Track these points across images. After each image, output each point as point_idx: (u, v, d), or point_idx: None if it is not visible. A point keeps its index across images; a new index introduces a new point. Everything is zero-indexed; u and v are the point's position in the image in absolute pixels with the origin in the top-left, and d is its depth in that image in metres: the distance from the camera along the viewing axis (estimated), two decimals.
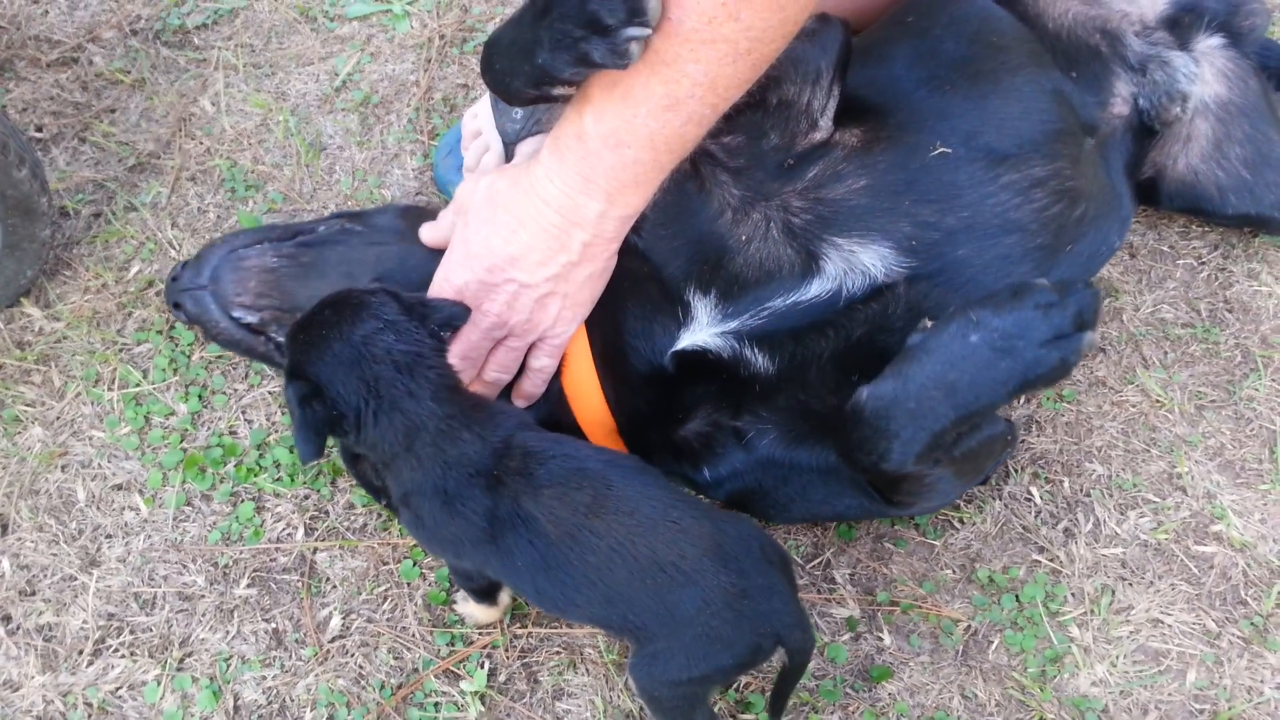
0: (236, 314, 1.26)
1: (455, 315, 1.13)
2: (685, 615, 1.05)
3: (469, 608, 1.27)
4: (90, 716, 1.24)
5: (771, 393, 1.22)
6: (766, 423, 1.22)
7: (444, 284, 1.21)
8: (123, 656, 1.27)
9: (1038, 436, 1.45)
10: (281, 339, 1.25)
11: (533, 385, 1.27)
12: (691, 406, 1.25)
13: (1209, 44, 1.42)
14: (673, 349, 1.23)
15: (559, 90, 1.09)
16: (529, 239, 1.15)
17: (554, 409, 1.26)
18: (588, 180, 1.10)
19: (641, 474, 1.11)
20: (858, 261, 1.18)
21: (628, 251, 1.22)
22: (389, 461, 1.10)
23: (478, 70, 1.82)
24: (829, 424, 1.19)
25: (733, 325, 1.21)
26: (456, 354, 1.18)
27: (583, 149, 1.09)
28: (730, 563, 1.06)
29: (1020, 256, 1.21)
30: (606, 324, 1.24)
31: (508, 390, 1.28)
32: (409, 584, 1.33)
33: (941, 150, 1.20)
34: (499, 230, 1.17)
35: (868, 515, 1.34)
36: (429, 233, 1.29)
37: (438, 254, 1.26)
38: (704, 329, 1.22)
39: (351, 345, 1.04)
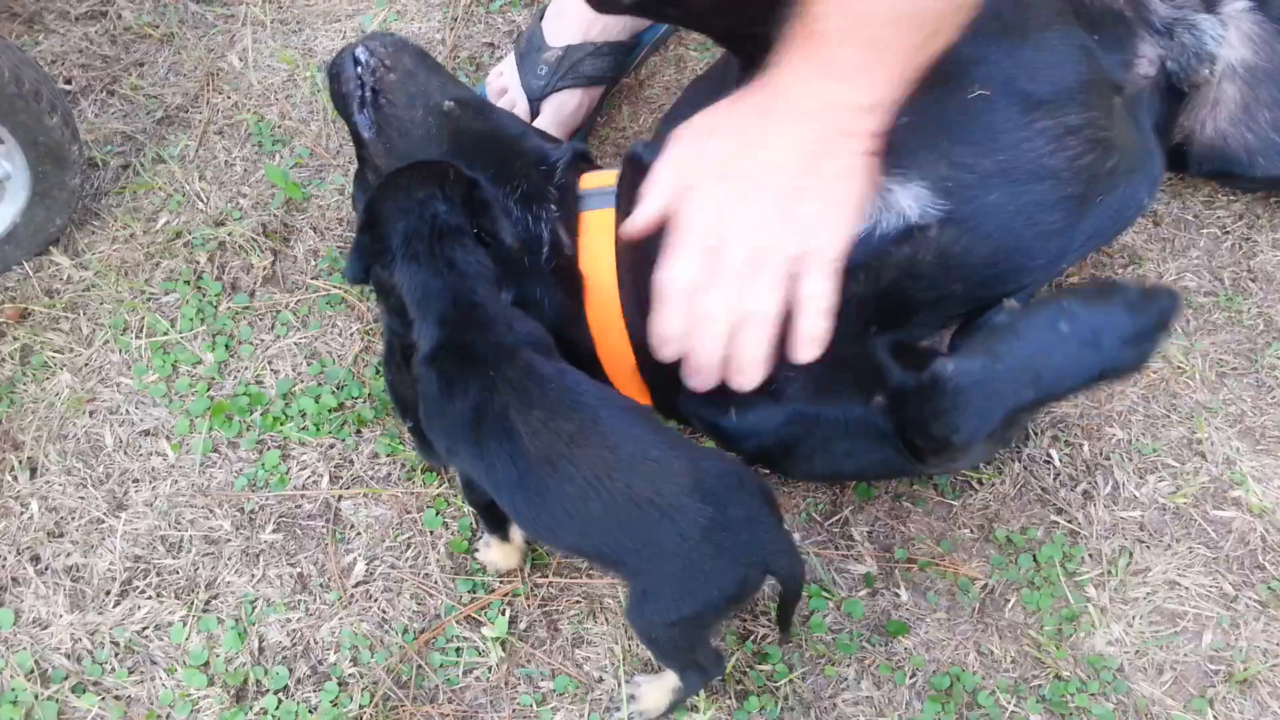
0: (360, 49, 1.35)
1: (504, 237, 1.20)
2: (665, 551, 1.06)
3: (490, 554, 1.29)
4: (117, 655, 1.26)
5: None
6: (794, 369, 1.21)
7: (685, 207, 1.10)
8: (149, 598, 1.29)
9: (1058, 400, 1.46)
10: (368, 92, 1.34)
11: (810, 323, 1.10)
12: None
13: (1235, 7, 1.41)
14: None
15: None
16: (764, 147, 1.06)
17: (577, 343, 1.26)
18: (825, 62, 1.02)
19: (630, 413, 1.12)
20: (894, 200, 1.17)
21: None
22: (411, 320, 1.18)
23: (503, 28, 1.82)
24: (855, 375, 1.18)
25: None
26: (718, 275, 1.08)
27: (810, 31, 1.01)
28: (708, 497, 1.06)
29: (1051, 204, 1.21)
30: (634, 251, 1.21)
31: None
32: (432, 532, 1.35)
33: (980, 92, 1.19)
34: (728, 148, 1.09)
35: (891, 473, 1.34)
36: (638, 224, 1.15)
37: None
38: None
39: (412, 199, 1.17)
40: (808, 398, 1.22)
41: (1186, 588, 1.31)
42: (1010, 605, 1.30)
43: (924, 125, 1.17)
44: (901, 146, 1.16)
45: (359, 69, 1.35)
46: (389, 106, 1.34)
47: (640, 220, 1.15)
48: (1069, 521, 1.36)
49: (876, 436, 1.21)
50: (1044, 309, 1.10)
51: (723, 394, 1.23)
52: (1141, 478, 1.40)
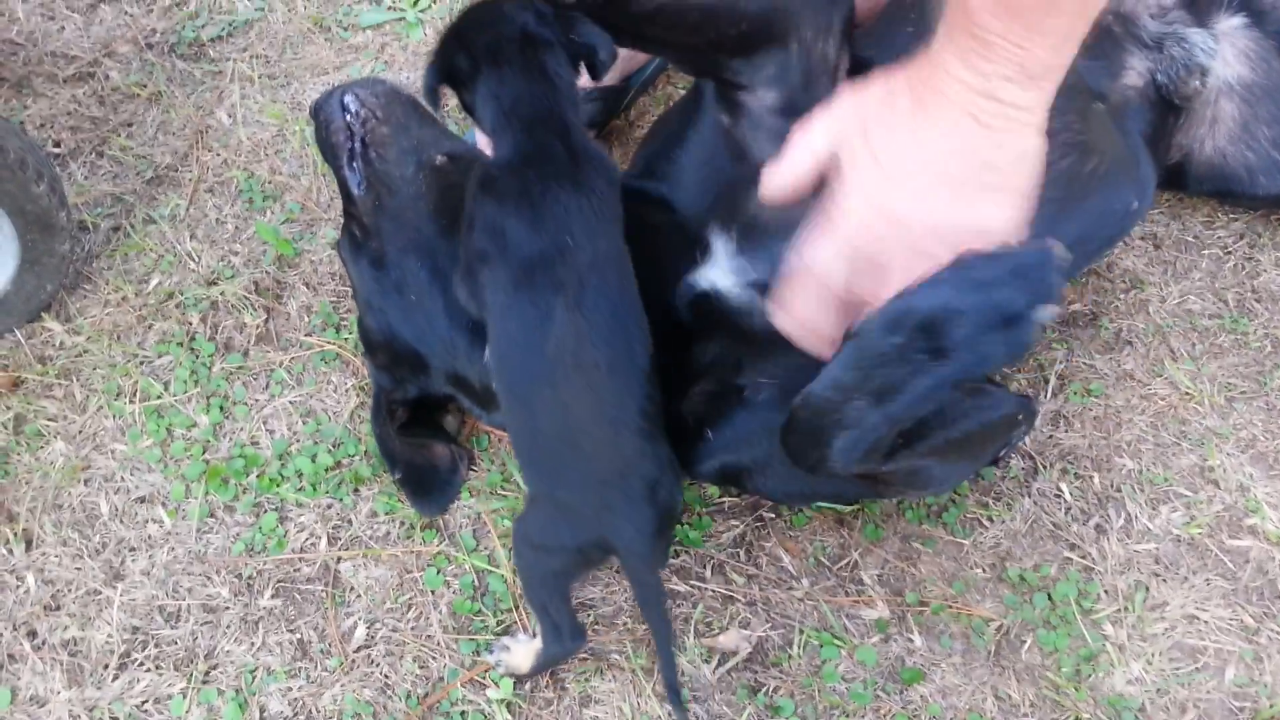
0: (347, 97, 1.34)
1: (599, 46, 1.14)
2: (565, 480, 1.14)
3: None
4: None
5: (771, 347, 1.17)
6: (766, 378, 1.20)
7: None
8: (148, 670, 1.27)
9: (1066, 432, 1.43)
10: (358, 144, 1.32)
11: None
12: (702, 367, 1.24)
13: (1230, 24, 1.40)
14: (693, 293, 1.20)
15: None
16: (933, 134, 0.95)
17: None
18: (981, 39, 0.92)
19: (642, 381, 1.14)
20: None
21: (649, 203, 1.20)
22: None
23: None
24: None
25: (748, 265, 1.19)
26: (874, 265, 1.00)
27: (965, 6, 0.92)
28: (621, 480, 1.11)
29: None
30: None
31: None
32: (433, 592, 1.32)
33: None
34: (895, 139, 0.98)
35: (862, 494, 1.31)
36: (782, 180, 1.07)
37: None
38: (720, 266, 1.20)
39: (499, 10, 1.15)
40: (778, 408, 1.19)
41: (1206, 621, 1.28)
42: (1026, 646, 1.27)
43: None
44: None
45: (348, 117, 1.34)
46: (380, 162, 1.32)
47: (780, 184, 1.05)
48: (1082, 557, 1.33)
49: None
50: (875, 317, 0.96)
51: (701, 415, 1.23)
52: (1154, 509, 1.37)
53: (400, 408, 1.38)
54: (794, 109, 1.16)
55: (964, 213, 0.96)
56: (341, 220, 1.38)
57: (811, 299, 1.05)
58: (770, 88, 1.17)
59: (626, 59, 1.69)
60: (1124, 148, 1.32)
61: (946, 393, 0.97)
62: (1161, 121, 1.40)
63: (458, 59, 1.15)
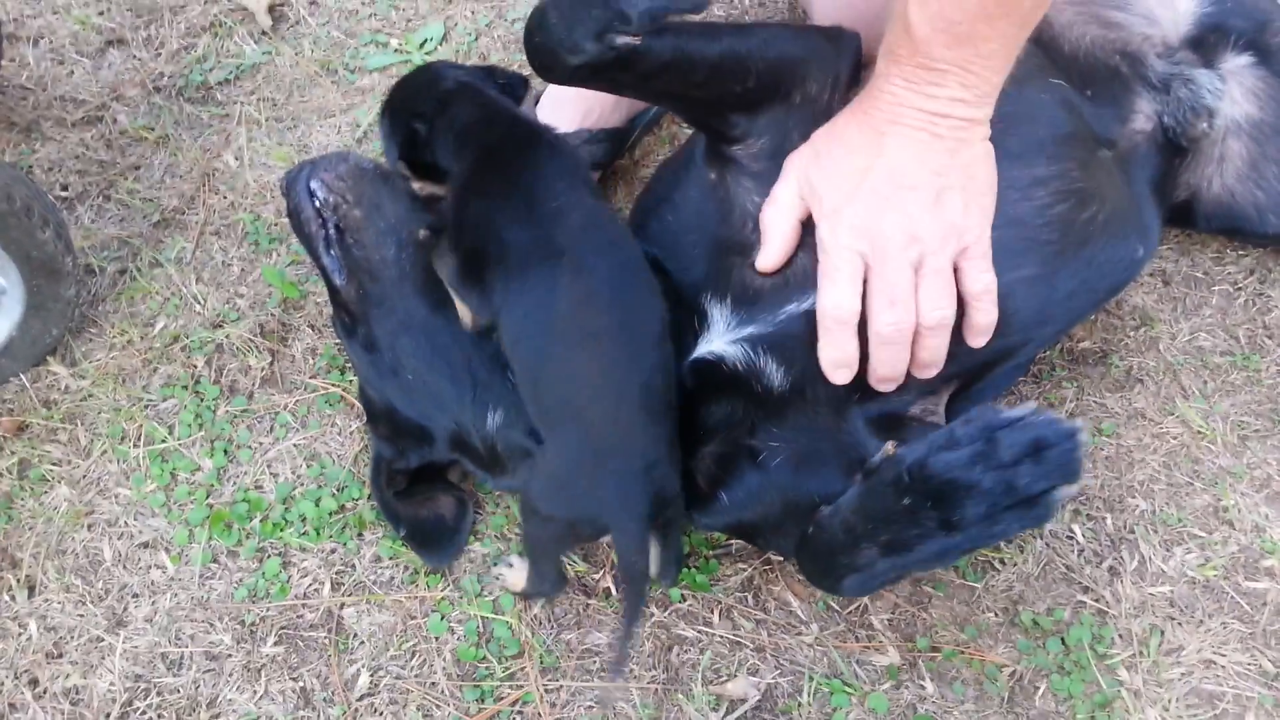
0: (313, 183, 1.35)
1: (519, 84, 1.36)
2: (567, 454, 1.14)
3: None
4: None
5: (783, 408, 1.19)
6: (778, 440, 1.20)
7: (832, 235, 1.10)
8: (150, 719, 1.25)
9: None
10: (332, 230, 1.34)
11: (984, 314, 1.12)
12: (710, 429, 1.23)
13: (1237, 63, 1.40)
14: (690, 358, 1.20)
15: (623, 40, 1.06)
16: (888, 154, 1.06)
17: None
18: (929, 66, 1.03)
19: (650, 353, 1.15)
20: None
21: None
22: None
23: None
24: (836, 448, 1.19)
25: (748, 331, 1.18)
26: (884, 298, 1.09)
27: (911, 39, 1.03)
28: (620, 457, 1.12)
29: (1021, 249, 1.18)
30: None
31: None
32: (437, 638, 1.31)
33: None
34: (852, 165, 1.08)
35: None
36: (772, 258, 1.17)
37: None
38: (720, 336, 1.20)
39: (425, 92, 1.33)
40: (791, 471, 1.20)
41: (1224, 666, 1.26)
42: (1040, 693, 1.25)
43: None
44: None
45: (316, 203, 1.34)
46: (358, 248, 1.32)
47: (772, 254, 1.16)
48: (1096, 600, 1.31)
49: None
50: (882, 473, 1.04)
51: (713, 477, 1.23)
52: (1168, 550, 1.35)
53: (401, 476, 1.37)
54: (782, 153, 1.17)
55: (934, 213, 1.07)
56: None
57: (846, 343, 1.11)
58: (763, 136, 1.17)
59: (632, 103, 1.70)
60: (1127, 196, 1.31)
61: (957, 558, 1.02)
62: (1168, 165, 1.39)
63: (412, 125, 1.30)
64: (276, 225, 1.69)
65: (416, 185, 1.33)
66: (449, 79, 1.32)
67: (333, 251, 1.33)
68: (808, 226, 1.15)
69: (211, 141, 1.81)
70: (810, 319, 1.15)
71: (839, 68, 1.17)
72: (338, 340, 1.56)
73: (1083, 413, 1.47)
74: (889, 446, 1.07)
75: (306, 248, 1.37)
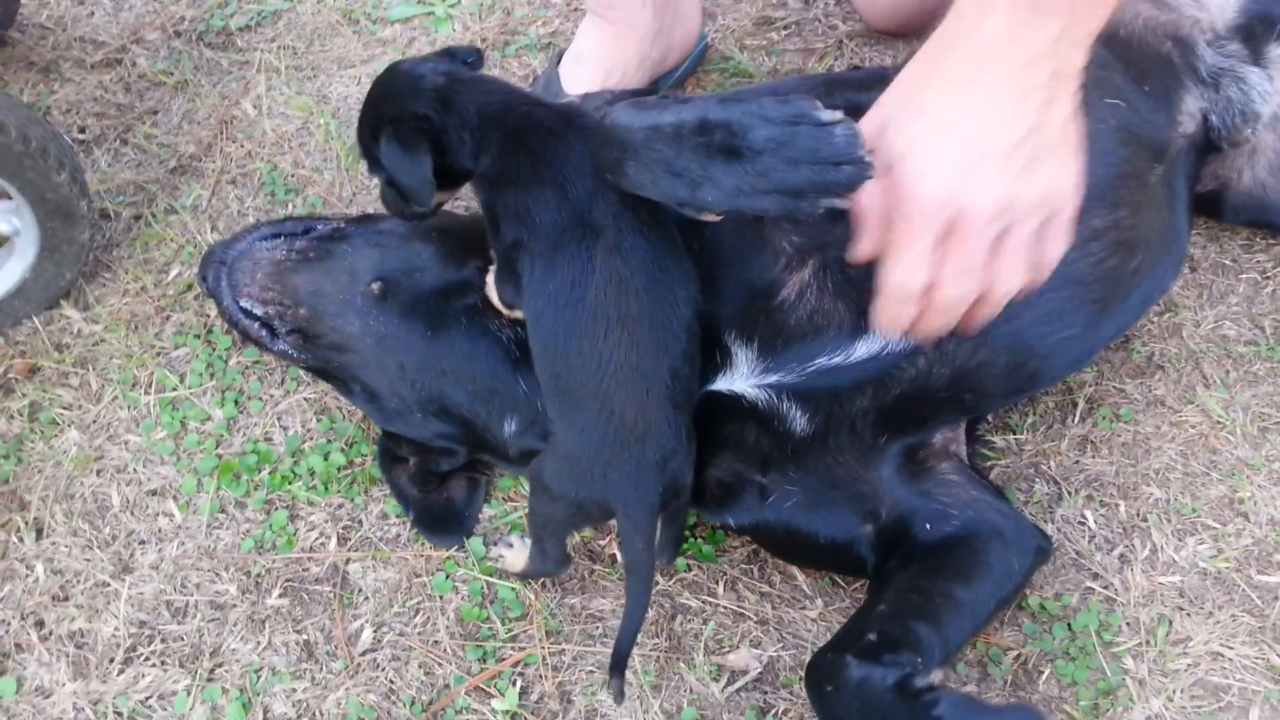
0: (244, 302, 1.34)
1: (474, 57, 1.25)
2: (585, 436, 1.12)
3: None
4: None
5: (803, 453, 1.19)
6: (794, 484, 1.20)
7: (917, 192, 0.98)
8: (153, 665, 1.26)
9: (1093, 457, 1.40)
10: (283, 331, 1.34)
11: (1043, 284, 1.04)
12: (718, 449, 1.22)
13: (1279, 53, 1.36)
14: (707, 389, 1.19)
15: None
16: (983, 103, 0.95)
17: None
18: (1034, 5, 0.92)
19: (680, 340, 1.13)
20: None
21: None
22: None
23: (519, 73, 1.80)
24: (852, 495, 1.18)
25: (773, 379, 1.17)
26: (959, 267, 0.99)
27: None
28: (639, 444, 1.11)
29: (1072, 311, 1.17)
30: None
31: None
32: (441, 597, 1.31)
33: None
34: (944, 116, 0.96)
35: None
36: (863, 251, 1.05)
37: (441, 251, 1.30)
38: (743, 378, 1.18)
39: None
40: (801, 512, 1.21)
41: (1230, 659, 1.24)
42: (1044, 678, 1.24)
43: None
44: None
45: (256, 321, 1.34)
46: (322, 338, 1.32)
47: (864, 244, 1.04)
48: (1105, 588, 1.30)
49: (853, 562, 1.22)
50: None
51: (716, 499, 1.24)
52: (1181, 540, 1.33)
53: (434, 477, 1.37)
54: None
55: (1028, 182, 0.96)
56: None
57: (912, 312, 1.03)
58: None
59: (656, 63, 1.67)
60: (1168, 228, 1.28)
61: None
62: (1198, 171, 1.36)
63: (436, 134, 1.16)
64: (293, 176, 1.68)
65: (442, 195, 1.23)
66: (427, 74, 1.20)
67: (281, 338, 1.34)
68: (833, 267, 1.12)
69: (230, 88, 1.79)
70: (843, 371, 1.14)
71: None
72: None
73: (1101, 398, 1.45)
74: None
75: (259, 348, 1.39)
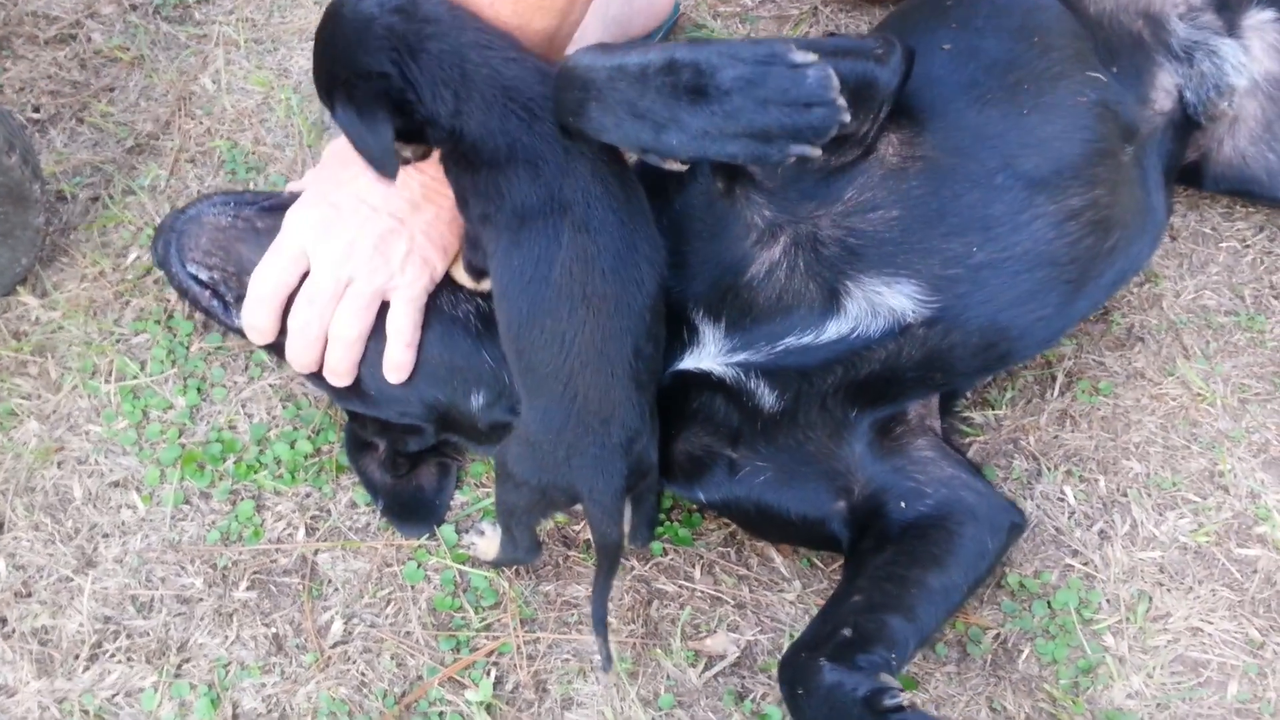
0: (190, 267, 1.30)
1: None
2: (547, 418, 1.10)
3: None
4: None
5: (772, 429, 1.18)
6: (764, 460, 1.19)
7: (291, 219, 1.22)
8: (119, 662, 1.24)
9: (1072, 432, 1.38)
10: (229, 298, 1.30)
11: (397, 352, 1.21)
12: (685, 424, 1.21)
13: (1259, 18, 1.33)
14: (674, 368, 1.17)
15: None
16: (366, 183, 1.16)
17: None
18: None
19: (644, 319, 1.10)
20: (881, 303, 1.11)
21: None
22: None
23: None
24: (823, 471, 1.17)
25: (741, 357, 1.15)
26: (304, 297, 1.21)
27: None
28: (602, 425, 1.09)
29: (1046, 292, 1.15)
30: None
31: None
32: (413, 587, 1.28)
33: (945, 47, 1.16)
34: (343, 168, 1.19)
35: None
36: (294, 184, 1.31)
37: None
38: (711, 357, 1.16)
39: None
40: (772, 488, 1.20)
41: (1210, 634, 1.24)
42: (1024, 657, 1.23)
43: (916, 220, 1.10)
44: (891, 244, 1.10)
45: (203, 286, 1.31)
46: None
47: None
48: (1085, 564, 1.29)
49: (826, 538, 1.20)
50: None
51: (685, 473, 1.23)
52: (1161, 515, 1.32)
53: (403, 459, 1.34)
54: (804, 171, 1.10)
55: (380, 251, 1.20)
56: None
57: (267, 312, 1.25)
58: (774, 173, 1.10)
59: (617, 22, 1.63)
60: (1143, 206, 1.26)
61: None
62: (1180, 148, 1.34)
63: (402, 94, 1.04)
64: (254, 154, 1.63)
65: (408, 151, 1.14)
66: (376, 14, 1.04)
67: (233, 309, 1.29)
68: (805, 245, 1.12)
69: (189, 63, 1.73)
70: (812, 351, 1.12)
71: (884, 98, 1.06)
72: None
73: (1081, 371, 1.43)
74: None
75: (212, 319, 1.34)
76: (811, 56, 0.95)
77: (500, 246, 1.09)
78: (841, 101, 0.93)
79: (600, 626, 1.14)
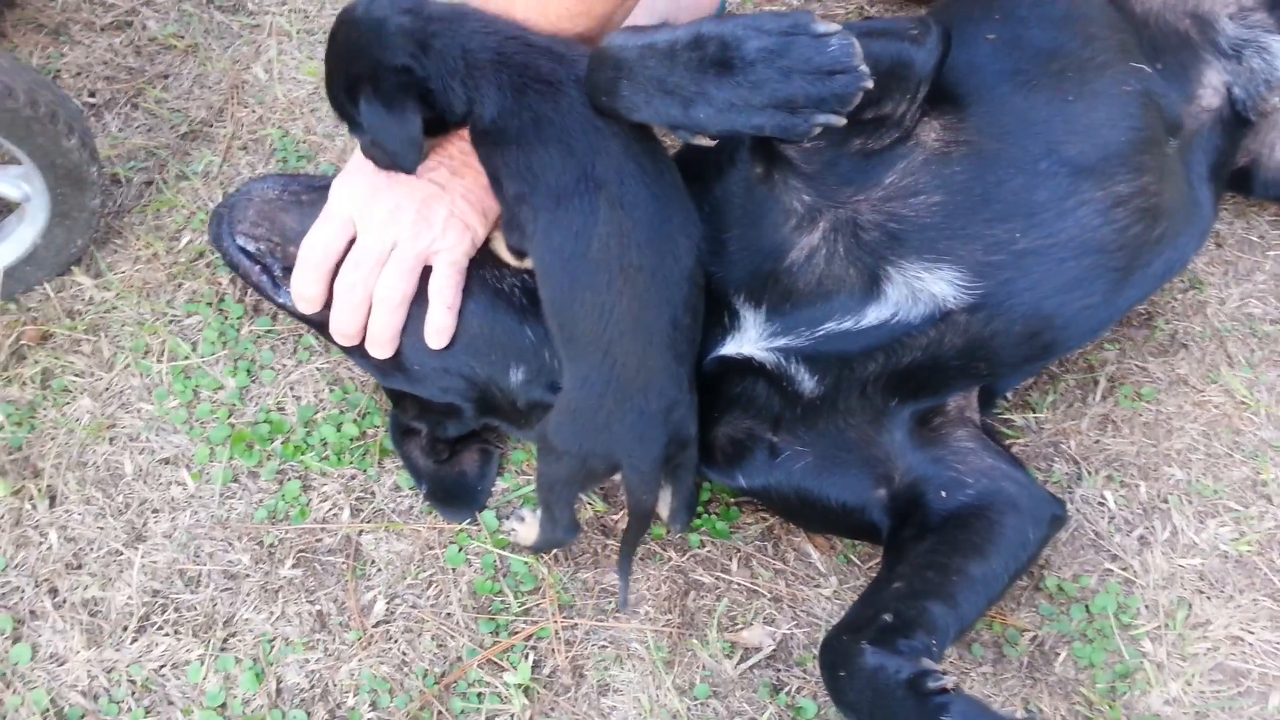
0: (239, 240, 1.32)
1: None
2: (588, 386, 1.12)
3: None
4: (134, 694, 1.23)
5: (813, 415, 1.18)
6: (804, 445, 1.19)
7: (338, 187, 1.24)
8: (167, 635, 1.26)
9: (1113, 437, 1.38)
10: (277, 271, 1.32)
11: (440, 314, 1.22)
12: (727, 407, 1.21)
13: None
14: (715, 354, 1.18)
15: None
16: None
17: None
18: None
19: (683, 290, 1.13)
20: (922, 288, 1.11)
21: None
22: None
23: None
24: (863, 458, 1.18)
25: (782, 342, 1.16)
26: (350, 262, 1.22)
27: None
28: (641, 394, 1.11)
29: (1093, 280, 1.14)
30: None
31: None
32: (454, 570, 1.30)
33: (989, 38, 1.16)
34: None
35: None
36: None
37: None
38: (752, 342, 1.17)
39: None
40: (813, 475, 1.20)
41: (1251, 644, 1.23)
42: (1060, 660, 1.23)
43: (959, 205, 1.10)
44: (933, 229, 1.10)
45: (250, 258, 1.33)
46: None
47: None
48: (1124, 569, 1.28)
49: (865, 526, 1.20)
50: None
51: (727, 457, 1.23)
52: (1202, 522, 1.32)
53: (443, 445, 1.35)
54: (841, 158, 1.11)
55: (421, 215, 1.23)
56: None
57: (316, 279, 1.27)
58: (822, 137, 1.09)
59: (664, 17, 1.64)
60: (1189, 199, 1.26)
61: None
62: (1231, 145, 1.33)
63: (406, 79, 1.10)
64: (304, 143, 1.66)
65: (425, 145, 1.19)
66: (390, 16, 1.11)
67: (283, 286, 1.31)
68: (844, 230, 1.12)
69: (241, 52, 1.76)
70: (852, 337, 1.13)
71: (920, 79, 1.06)
72: None
73: (1123, 376, 1.43)
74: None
75: (260, 294, 1.36)
76: (834, 27, 0.96)
77: (540, 226, 1.12)
78: (864, 68, 0.94)
79: (624, 572, 1.20)
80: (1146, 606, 1.26)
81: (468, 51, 1.11)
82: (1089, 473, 1.35)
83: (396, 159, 1.15)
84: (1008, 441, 1.38)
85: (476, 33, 1.12)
